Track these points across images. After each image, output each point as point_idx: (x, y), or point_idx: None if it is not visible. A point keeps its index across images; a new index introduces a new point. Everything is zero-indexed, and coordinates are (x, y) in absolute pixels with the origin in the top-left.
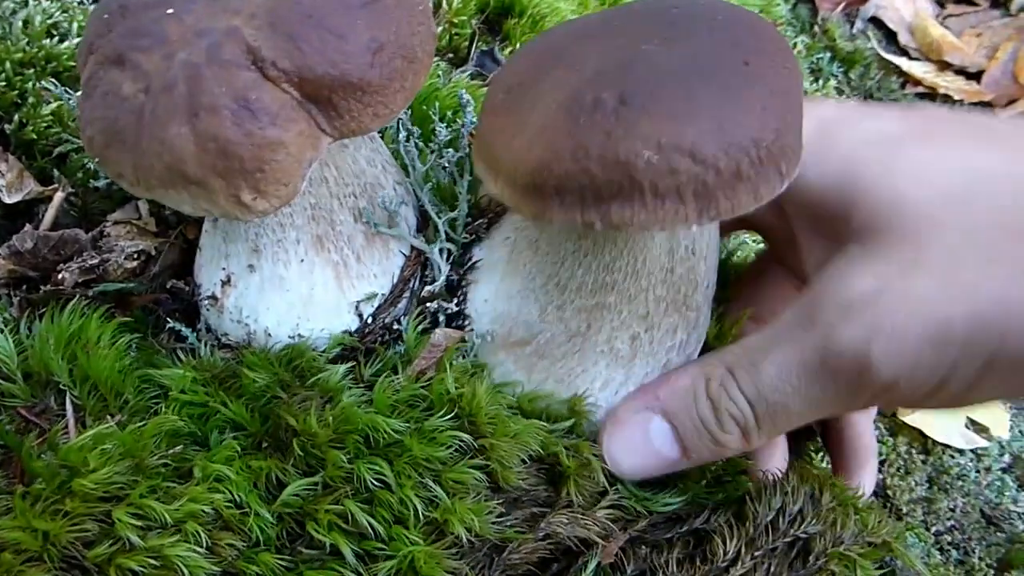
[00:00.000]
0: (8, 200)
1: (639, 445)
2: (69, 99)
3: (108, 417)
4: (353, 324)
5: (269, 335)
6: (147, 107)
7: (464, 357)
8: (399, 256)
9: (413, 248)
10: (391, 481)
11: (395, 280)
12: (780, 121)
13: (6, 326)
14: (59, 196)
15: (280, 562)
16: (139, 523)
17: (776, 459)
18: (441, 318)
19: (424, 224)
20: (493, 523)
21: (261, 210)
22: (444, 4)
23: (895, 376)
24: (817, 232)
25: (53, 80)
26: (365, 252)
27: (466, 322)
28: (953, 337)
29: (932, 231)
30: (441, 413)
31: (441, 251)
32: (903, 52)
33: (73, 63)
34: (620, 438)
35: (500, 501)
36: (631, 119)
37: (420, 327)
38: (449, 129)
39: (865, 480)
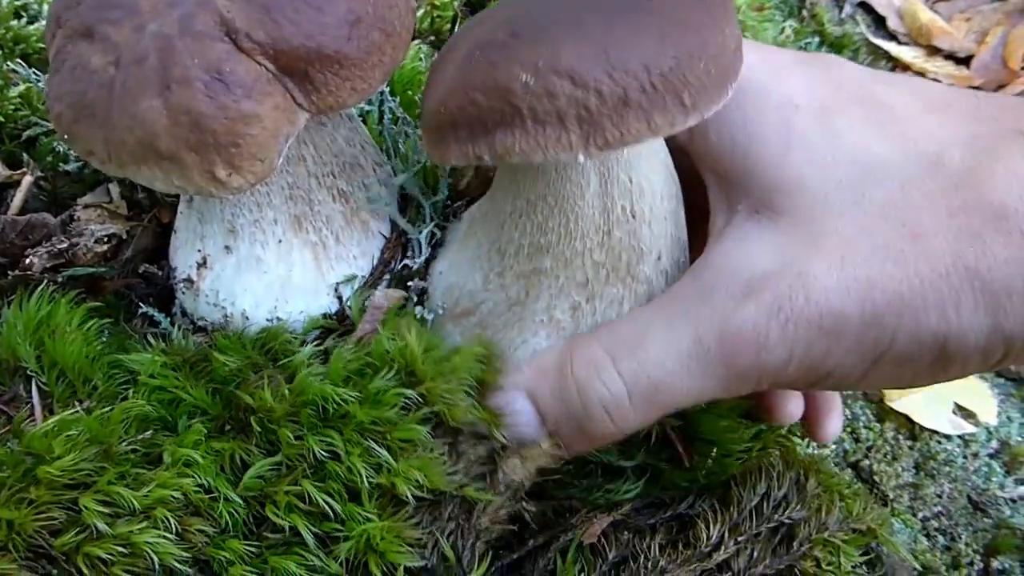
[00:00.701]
0: None
1: (508, 419)
2: (38, 81)
3: (76, 403)
4: (332, 306)
5: (246, 318)
6: (117, 80)
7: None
8: (379, 237)
9: (393, 229)
10: (340, 451)
11: (375, 262)
12: (683, 52)
13: None
14: (27, 180)
15: (248, 548)
16: (107, 510)
17: (834, 424)
18: (414, 296)
19: (404, 206)
20: (447, 474)
21: (236, 186)
22: None
23: (787, 359)
24: (721, 190)
25: (21, 62)
26: (344, 233)
27: (424, 296)
28: (847, 331)
29: (829, 219)
30: (383, 373)
31: (427, 233)
32: (892, 37)
33: (42, 45)
34: (500, 404)
35: (447, 442)
36: (516, 48)
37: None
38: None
39: (835, 425)
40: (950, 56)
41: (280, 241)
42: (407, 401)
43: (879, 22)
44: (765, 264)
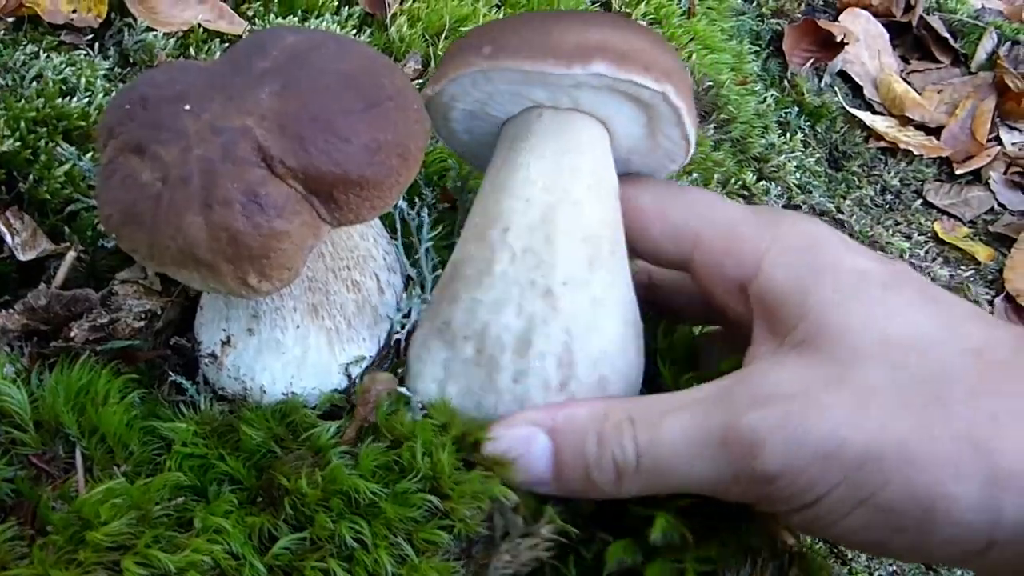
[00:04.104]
0: (23, 258)
1: (518, 452)
2: (79, 159)
3: (114, 467)
4: (342, 384)
5: (264, 392)
6: (164, 195)
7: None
8: (387, 321)
9: (399, 312)
10: (368, 541)
11: (381, 343)
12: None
13: (18, 376)
14: (71, 255)
15: None
16: (145, 572)
17: None
18: None
19: (406, 286)
20: None
21: (265, 291)
22: (432, 64)
23: (778, 472)
24: (768, 325)
25: (64, 143)
26: (356, 319)
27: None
28: (842, 462)
29: (864, 365)
30: (410, 476)
31: None
32: (868, 106)
33: (82, 122)
34: (506, 440)
35: (462, 545)
36: None
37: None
38: (434, 192)
39: None
40: (921, 126)
41: (298, 327)
42: (431, 505)
43: (856, 91)
44: (788, 386)
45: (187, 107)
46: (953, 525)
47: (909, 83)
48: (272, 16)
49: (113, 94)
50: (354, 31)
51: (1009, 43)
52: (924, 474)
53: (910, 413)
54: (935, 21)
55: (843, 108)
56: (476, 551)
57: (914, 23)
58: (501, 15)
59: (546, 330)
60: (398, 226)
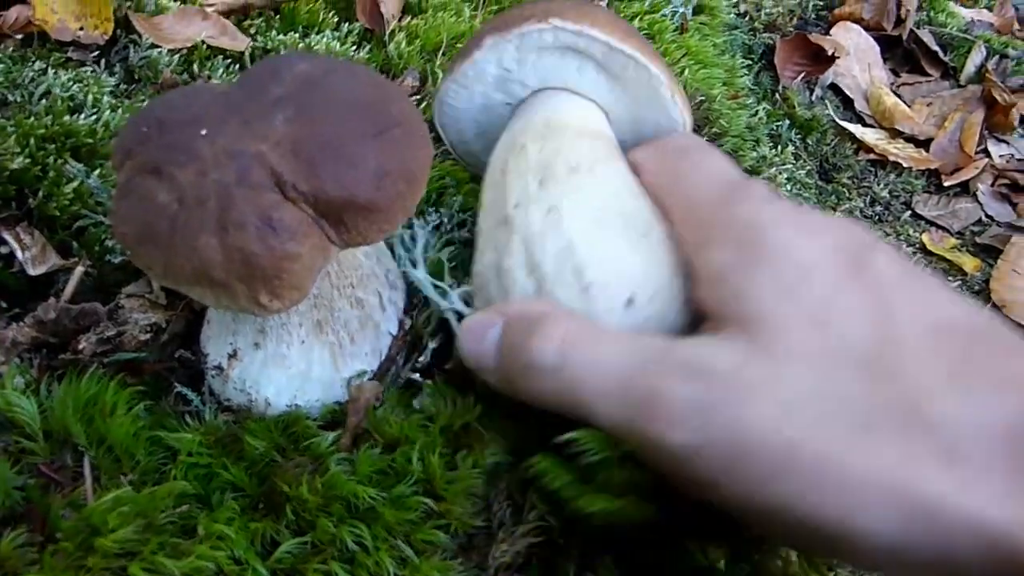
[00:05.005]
0: (33, 272)
1: (478, 339)
2: (87, 177)
3: (121, 476)
4: (344, 397)
5: (269, 403)
6: (180, 216)
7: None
8: (388, 336)
9: (400, 327)
10: (369, 544)
11: (383, 358)
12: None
13: (28, 388)
14: (79, 270)
15: None
16: None
17: None
18: None
19: (411, 305)
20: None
21: (276, 310)
22: (430, 80)
23: (684, 450)
24: (712, 306)
25: (72, 160)
26: (359, 334)
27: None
28: (757, 460)
29: (797, 368)
30: (406, 479)
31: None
32: (858, 119)
33: (90, 139)
34: (471, 326)
35: (460, 542)
36: None
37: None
38: (437, 212)
39: None
40: (911, 139)
41: (303, 342)
42: (426, 507)
43: (847, 103)
44: (721, 366)
45: (203, 132)
46: (862, 553)
47: (899, 96)
48: (274, 32)
49: (122, 112)
50: (353, 47)
51: (997, 56)
52: (835, 499)
53: (833, 435)
54: (925, 35)
55: (834, 121)
56: (477, 542)
57: (904, 37)
58: None
59: (509, 249)
60: (396, 244)
